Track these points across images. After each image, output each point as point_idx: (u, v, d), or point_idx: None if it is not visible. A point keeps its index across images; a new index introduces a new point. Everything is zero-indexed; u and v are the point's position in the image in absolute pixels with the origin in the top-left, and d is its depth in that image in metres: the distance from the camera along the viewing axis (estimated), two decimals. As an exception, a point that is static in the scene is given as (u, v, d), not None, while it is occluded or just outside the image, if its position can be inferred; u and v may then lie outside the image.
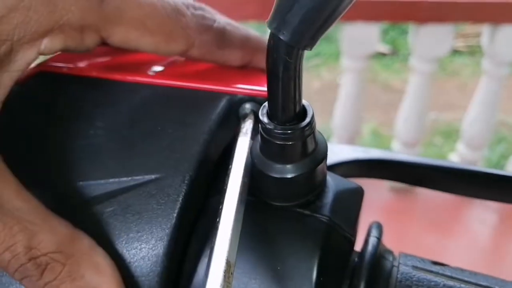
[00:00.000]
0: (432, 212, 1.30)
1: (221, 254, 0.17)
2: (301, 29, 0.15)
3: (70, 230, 0.19)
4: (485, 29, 1.15)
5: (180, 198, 0.20)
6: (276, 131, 0.18)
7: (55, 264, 0.18)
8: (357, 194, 0.22)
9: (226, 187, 0.20)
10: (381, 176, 0.27)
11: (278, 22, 0.15)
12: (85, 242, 0.19)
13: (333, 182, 0.22)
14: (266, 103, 0.19)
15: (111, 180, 0.20)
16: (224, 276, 0.17)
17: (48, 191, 0.20)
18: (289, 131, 0.18)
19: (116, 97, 0.24)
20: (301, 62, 0.17)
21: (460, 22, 1.20)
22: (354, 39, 1.10)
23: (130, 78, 0.24)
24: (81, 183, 0.20)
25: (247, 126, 0.22)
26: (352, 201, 0.22)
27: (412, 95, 1.23)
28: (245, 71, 0.25)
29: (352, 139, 1.30)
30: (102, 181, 0.20)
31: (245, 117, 0.23)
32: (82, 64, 0.26)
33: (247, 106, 0.23)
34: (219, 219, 0.19)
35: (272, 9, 0.15)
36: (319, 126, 0.19)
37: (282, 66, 0.16)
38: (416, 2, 1.05)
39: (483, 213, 1.30)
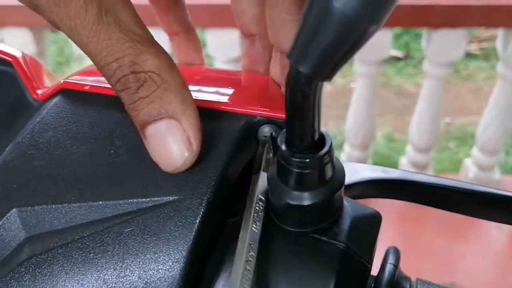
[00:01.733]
0: (447, 217, 1.29)
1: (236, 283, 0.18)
2: (321, 62, 0.15)
3: (171, 60, 0.21)
4: (499, 33, 1.14)
5: (197, 220, 0.20)
6: (293, 159, 0.19)
7: (151, 83, 0.20)
8: (375, 220, 0.22)
9: (244, 214, 0.20)
10: (399, 197, 0.27)
11: (298, 54, 0.15)
12: (180, 75, 0.21)
13: (350, 207, 0.21)
14: (282, 132, 0.19)
15: (130, 200, 0.21)
16: None
17: (66, 208, 0.21)
18: (307, 160, 0.18)
19: None
20: (320, 92, 0.17)
21: (474, 27, 1.19)
22: (367, 44, 1.09)
23: None
24: (100, 202, 0.21)
25: (266, 149, 0.23)
26: (369, 228, 0.21)
27: (426, 99, 1.22)
28: (264, 94, 0.25)
29: (365, 144, 1.29)
30: (121, 201, 0.21)
31: (263, 140, 0.23)
32: (104, 82, 0.26)
33: (266, 129, 0.24)
34: (236, 248, 0.19)
35: (292, 41, 0.15)
36: (332, 131, 0.19)
37: (301, 97, 0.16)
38: (429, 7, 1.05)
39: (499, 219, 1.28)
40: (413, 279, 0.23)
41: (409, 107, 1.41)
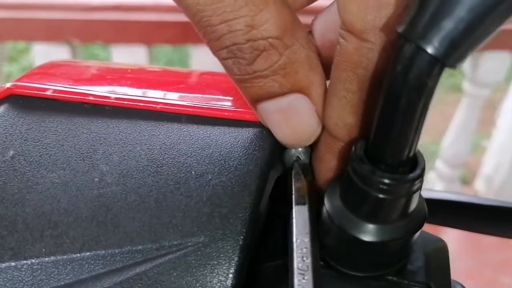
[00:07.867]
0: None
1: None
2: (460, 38, 0.11)
3: (294, 15, 0.16)
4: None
5: (233, 270, 0.15)
6: (380, 179, 0.14)
7: (272, 52, 0.15)
8: (444, 251, 0.18)
9: (291, 261, 0.15)
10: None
11: (424, 26, 0.11)
12: (304, 31, 0.16)
13: (419, 238, 0.18)
14: (361, 141, 0.15)
15: (132, 248, 0.15)
16: None
17: (34, 266, 0.15)
18: (396, 182, 0.14)
19: (128, 131, 0.18)
20: (436, 88, 0.13)
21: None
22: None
23: (143, 104, 0.19)
24: (86, 253, 0.15)
25: (295, 176, 0.18)
26: (442, 260, 0.18)
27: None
28: None
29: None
30: (118, 251, 0.15)
31: (296, 167, 0.19)
32: (70, 86, 0.20)
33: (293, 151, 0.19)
34: None
35: (409, 11, 0.11)
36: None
37: (416, 89, 0.12)
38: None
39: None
40: None
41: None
